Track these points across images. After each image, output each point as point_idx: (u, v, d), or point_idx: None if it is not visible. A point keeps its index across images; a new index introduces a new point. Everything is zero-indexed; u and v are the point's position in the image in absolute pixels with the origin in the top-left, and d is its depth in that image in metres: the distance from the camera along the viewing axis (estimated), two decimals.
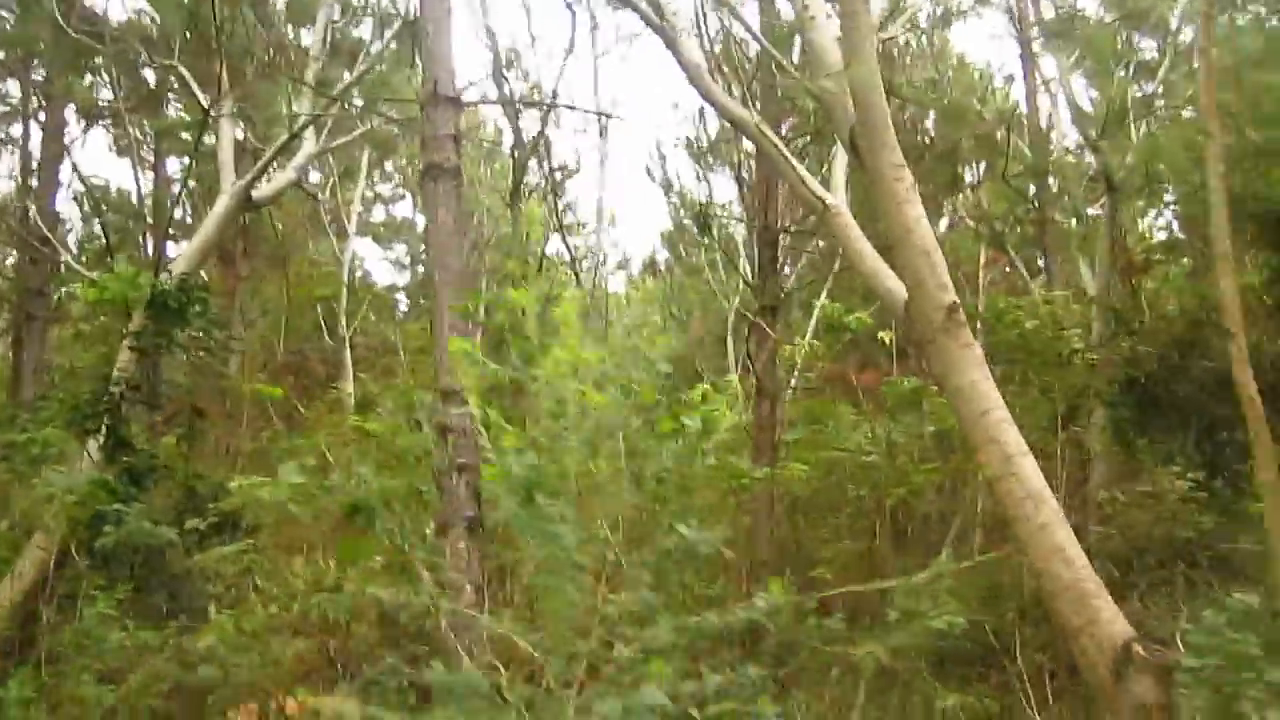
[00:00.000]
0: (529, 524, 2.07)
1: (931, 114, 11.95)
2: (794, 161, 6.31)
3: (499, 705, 2.21)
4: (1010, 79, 12.84)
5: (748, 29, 8.02)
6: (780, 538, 11.16)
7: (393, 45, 10.11)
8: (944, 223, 18.01)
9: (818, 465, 11.24)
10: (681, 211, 27.66)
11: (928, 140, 11.37)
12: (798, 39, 9.49)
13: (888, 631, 5.08)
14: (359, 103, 10.80)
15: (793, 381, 19.00)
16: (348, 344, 17.66)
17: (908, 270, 5.32)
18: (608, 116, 11.97)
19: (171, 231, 12.55)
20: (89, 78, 15.32)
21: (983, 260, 17.06)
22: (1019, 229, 12.72)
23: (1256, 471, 6.31)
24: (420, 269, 31.39)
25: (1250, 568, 7.54)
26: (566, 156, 18.85)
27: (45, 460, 6.96)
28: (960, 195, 13.26)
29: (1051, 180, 13.81)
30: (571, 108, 13.27)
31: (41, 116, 15.28)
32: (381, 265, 47.95)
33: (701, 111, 15.54)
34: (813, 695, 6.78)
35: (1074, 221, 14.24)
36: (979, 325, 9.28)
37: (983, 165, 12.01)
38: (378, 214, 31.72)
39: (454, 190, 5.92)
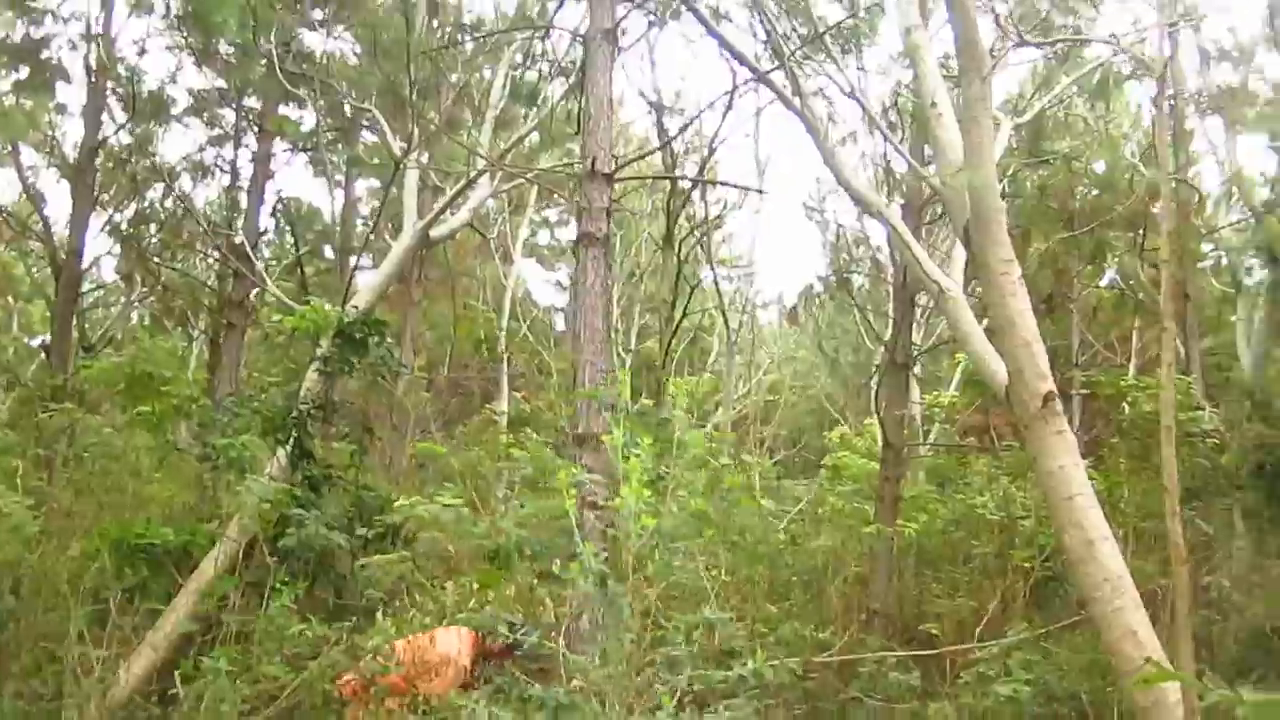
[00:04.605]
0: (599, 601, 2.77)
1: (1081, 182, 12.08)
2: (915, 246, 6.78)
3: (584, 716, 2.91)
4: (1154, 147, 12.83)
5: (878, 127, 8.50)
6: (899, 589, 11.44)
7: (559, 106, 11.03)
8: (1105, 279, 17.85)
9: (941, 521, 11.49)
10: (838, 252, 27.81)
11: (1076, 208, 11.50)
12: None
13: (960, 692, 5.50)
14: (531, 149, 11.76)
15: (932, 434, 19.07)
16: (505, 365, 18.81)
17: (1010, 358, 5.73)
18: (761, 192, 12.56)
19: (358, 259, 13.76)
20: (295, 109, 16.96)
21: (1137, 324, 16.84)
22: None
23: None
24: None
25: None
26: (727, 195, 19.42)
27: (242, 463, 8.04)
28: (1110, 261, 13.28)
29: (1210, 251, 13.67)
30: (725, 184, 13.96)
31: (250, 143, 17.01)
32: (544, 286, 50.02)
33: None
34: None
35: (1234, 292, 14.03)
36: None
37: (1132, 234, 12.05)
38: (542, 237, 33.23)
39: (603, 257, 6.67)
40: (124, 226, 18.99)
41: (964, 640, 10.24)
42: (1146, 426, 8.37)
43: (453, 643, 5.00)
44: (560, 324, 31.67)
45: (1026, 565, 10.35)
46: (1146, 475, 8.97)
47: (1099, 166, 12.74)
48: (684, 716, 2.77)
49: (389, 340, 9.02)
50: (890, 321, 16.04)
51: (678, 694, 2.82)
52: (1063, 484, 5.48)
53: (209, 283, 18.68)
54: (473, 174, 10.17)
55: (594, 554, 2.80)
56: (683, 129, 12.15)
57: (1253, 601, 8.46)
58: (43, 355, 16.08)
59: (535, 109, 11.23)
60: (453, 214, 10.83)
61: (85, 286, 17.41)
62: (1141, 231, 10.72)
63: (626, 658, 2.80)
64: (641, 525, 2.88)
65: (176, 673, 5.60)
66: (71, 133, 20.82)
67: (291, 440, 8.03)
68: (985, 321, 7.21)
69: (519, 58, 13.42)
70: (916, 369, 15.57)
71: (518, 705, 3.48)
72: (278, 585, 5.78)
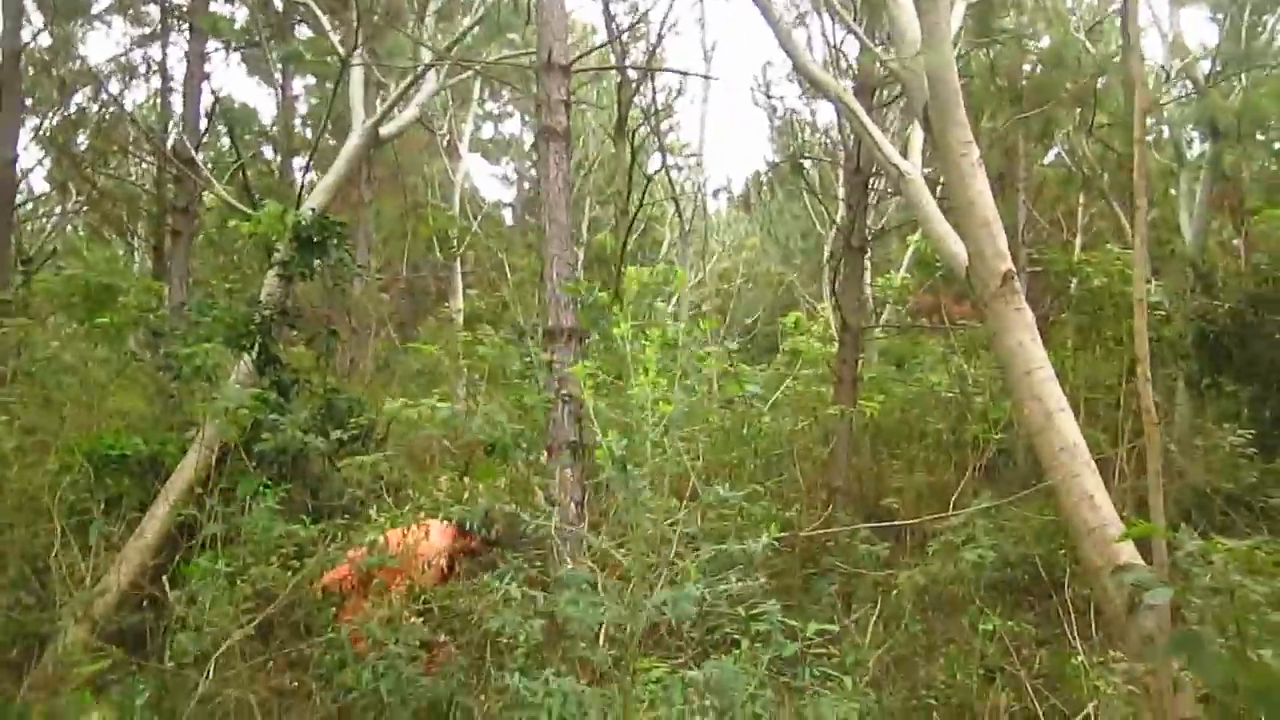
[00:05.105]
0: (621, 482, 2.89)
1: (1029, 60, 12.09)
2: (873, 129, 6.82)
3: (597, 592, 3.09)
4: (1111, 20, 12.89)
5: (831, 8, 8.41)
6: (859, 467, 11.82)
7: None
8: (1050, 155, 18.05)
9: (897, 400, 11.83)
10: (786, 137, 27.72)
11: (1024, 86, 11.53)
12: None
13: (929, 560, 5.79)
14: (476, 40, 11.50)
15: (884, 315, 19.38)
16: (458, 264, 18.70)
17: (969, 238, 5.86)
18: (708, 78, 12.43)
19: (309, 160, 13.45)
20: (224, 4, 16.37)
21: (1083, 201, 17.12)
22: (1112, 175, 12.85)
23: None
24: (526, 185, 32.40)
25: None
26: (671, 83, 19.23)
27: (207, 372, 8.01)
28: (1058, 138, 13.41)
29: (1152, 124, 13.84)
30: (676, 71, 13.81)
31: (182, 43, 16.37)
32: (490, 181, 49.38)
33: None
34: (873, 611, 7.45)
35: (1176, 166, 14.28)
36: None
37: (1080, 111, 12.14)
38: (487, 131, 32.63)
39: (564, 150, 6.63)
40: (54, 134, 18.36)
41: (921, 514, 10.68)
42: (1095, 301, 8.62)
43: (442, 536, 5.14)
44: (510, 219, 31.42)
45: (980, 440, 10.75)
46: (1092, 349, 9.30)
47: (1044, 43, 12.74)
48: (705, 584, 2.94)
49: (347, 244, 8.93)
50: (842, 205, 16.17)
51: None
52: (1022, 359, 5.68)
53: (147, 188, 18.20)
54: (420, 68, 9.93)
55: (615, 440, 2.92)
56: (637, 18, 11.91)
57: (1193, 464, 8.87)
58: None
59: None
60: (401, 110, 10.61)
61: (17, 198, 16.87)
62: (1093, 108, 10.81)
63: (647, 537, 2.96)
64: (659, 412, 3.00)
65: (164, 577, 5.69)
66: None
67: (256, 346, 8.00)
68: (938, 201, 7.33)
69: None
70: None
71: (523, 592, 3.65)
72: (259, 488, 5.86)
